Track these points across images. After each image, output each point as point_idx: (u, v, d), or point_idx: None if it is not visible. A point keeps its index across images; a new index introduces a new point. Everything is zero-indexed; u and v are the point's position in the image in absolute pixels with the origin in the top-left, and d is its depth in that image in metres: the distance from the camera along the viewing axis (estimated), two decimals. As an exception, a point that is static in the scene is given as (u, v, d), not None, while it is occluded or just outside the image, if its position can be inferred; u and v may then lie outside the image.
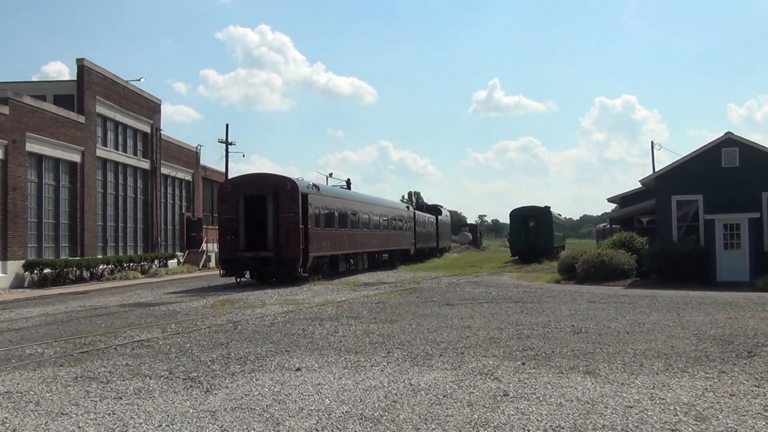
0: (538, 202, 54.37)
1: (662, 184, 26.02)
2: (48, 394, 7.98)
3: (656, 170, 29.30)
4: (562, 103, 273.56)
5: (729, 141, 25.19)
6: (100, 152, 34.79)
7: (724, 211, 24.23)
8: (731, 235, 24.22)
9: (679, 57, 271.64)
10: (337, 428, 6.32)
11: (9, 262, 27.05)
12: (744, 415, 6.53)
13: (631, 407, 6.85)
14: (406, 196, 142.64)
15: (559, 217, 65.51)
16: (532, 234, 48.91)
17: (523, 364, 9.17)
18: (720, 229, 24.24)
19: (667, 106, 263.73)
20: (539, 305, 16.63)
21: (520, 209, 51.30)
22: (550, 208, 52.84)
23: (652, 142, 68.17)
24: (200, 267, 42.35)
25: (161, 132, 41.89)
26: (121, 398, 7.70)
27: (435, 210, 59.16)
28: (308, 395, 7.60)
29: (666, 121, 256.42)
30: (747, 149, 24.95)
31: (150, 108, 40.80)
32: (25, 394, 7.98)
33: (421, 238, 49.03)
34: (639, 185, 31.30)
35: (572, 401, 7.11)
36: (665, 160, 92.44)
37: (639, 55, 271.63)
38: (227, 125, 50.58)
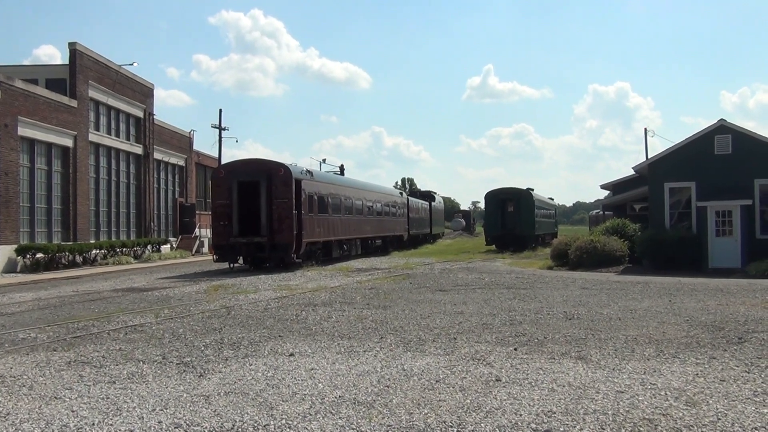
0: (530, 188, 48.63)
1: (655, 171, 26.08)
2: (41, 378, 7.98)
3: (649, 157, 29.28)
4: (556, 90, 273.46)
5: (722, 128, 25.25)
6: (93, 137, 34.58)
7: (716, 198, 24.32)
8: (723, 222, 24.32)
9: (672, 44, 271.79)
10: (331, 412, 6.34)
11: (1, 247, 26.95)
12: (734, 401, 6.59)
13: (622, 392, 6.90)
14: (399, 183, 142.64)
15: (549, 201, 59.53)
16: (510, 219, 43.20)
17: (515, 349, 9.23)
18: (712, 216, 24.34)
19: (660, 93, 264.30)
20: (532, 291, 16.70)
21: (496, 191, 45.03)
22: (532, 190, 47.59)
23: (645, 129, 68.37)
24: (193, 252, 42.30)
25: (154, 117, 41.67)
26: (114, 382, 7.71)
27: (428, 196, 59.11)
28: (301, 380, 7.63)
29: (659, 108, 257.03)
30: (740, 136, 25.02)
31: (143, 92, 40.55)
32: (19, 378, 7.98)
33: (414, 224, 48.97)
34: (632, 172, 31.30)
35: (564, 386, 7.16)
36: (658, 147, 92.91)
37: (633, 42, 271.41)
38: (220, 110, 50.97)
